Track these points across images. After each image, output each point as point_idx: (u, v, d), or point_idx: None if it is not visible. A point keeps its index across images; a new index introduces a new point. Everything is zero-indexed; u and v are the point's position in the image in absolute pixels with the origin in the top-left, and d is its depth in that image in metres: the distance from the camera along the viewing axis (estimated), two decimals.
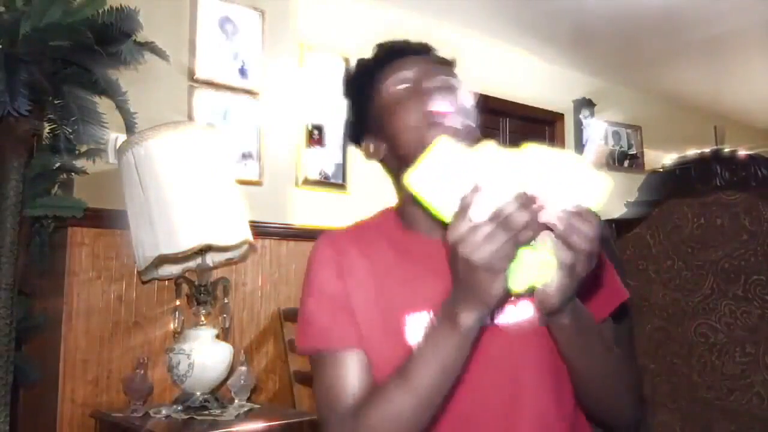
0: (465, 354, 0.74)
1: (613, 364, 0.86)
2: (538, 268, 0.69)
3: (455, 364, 0.75)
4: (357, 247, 0.93)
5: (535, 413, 0.84)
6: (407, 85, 0.92)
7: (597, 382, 0.85)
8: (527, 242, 0.67)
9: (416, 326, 0.85)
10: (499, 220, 0.65)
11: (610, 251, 1.05)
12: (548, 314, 0.74)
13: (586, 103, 3.99)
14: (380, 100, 0.93)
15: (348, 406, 0.82)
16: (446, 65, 0.97)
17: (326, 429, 0.85)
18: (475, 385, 0.82)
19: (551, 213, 0.66)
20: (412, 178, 0.69)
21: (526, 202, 0.66)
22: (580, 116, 3.97)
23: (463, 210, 0.66)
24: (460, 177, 0.68)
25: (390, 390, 0.78)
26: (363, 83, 0.97)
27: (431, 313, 0.83)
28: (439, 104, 0.89)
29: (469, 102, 0.92)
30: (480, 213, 0.65)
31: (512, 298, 0.77)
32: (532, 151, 0.69)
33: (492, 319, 0.84)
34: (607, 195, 0.69)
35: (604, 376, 0.85)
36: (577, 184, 0.68)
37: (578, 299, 0.77)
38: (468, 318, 0.71)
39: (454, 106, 0.89)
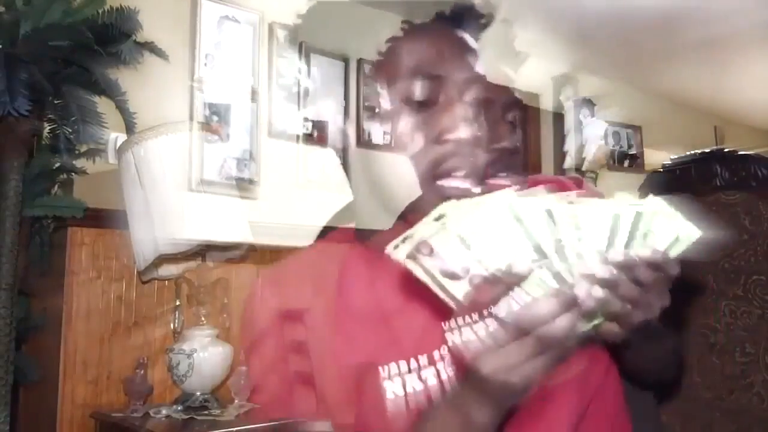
0: None
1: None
2: None
3: None
4: (309, 285, 0.76)
5: None
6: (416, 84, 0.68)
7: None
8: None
9: (393, 381, 0.69)
10: (537, 333, 0.50)
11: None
12: None
13: (586, 103, 3.98)
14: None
15: None
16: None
17: None
18: None
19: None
20: (398, 253, 0.54)
21: (569, 300, 0.51)
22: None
23: (480, 313, 0.52)
24: (467, 249, 0.52)
25: None
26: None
27: (412, 363, 0.68)
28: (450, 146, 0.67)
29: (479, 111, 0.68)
30: (508, 316, 0.51)
31: None
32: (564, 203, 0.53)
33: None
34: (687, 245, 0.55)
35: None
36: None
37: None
38: (484, 415, 0.56)
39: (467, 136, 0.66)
